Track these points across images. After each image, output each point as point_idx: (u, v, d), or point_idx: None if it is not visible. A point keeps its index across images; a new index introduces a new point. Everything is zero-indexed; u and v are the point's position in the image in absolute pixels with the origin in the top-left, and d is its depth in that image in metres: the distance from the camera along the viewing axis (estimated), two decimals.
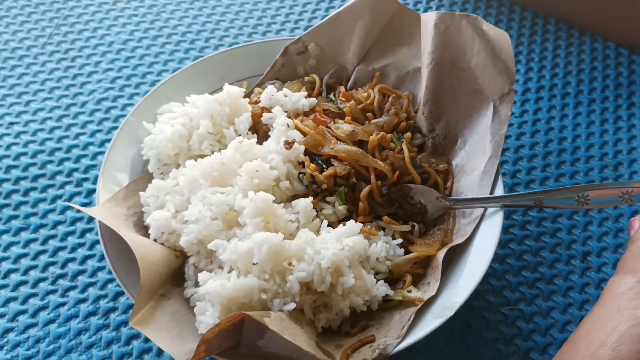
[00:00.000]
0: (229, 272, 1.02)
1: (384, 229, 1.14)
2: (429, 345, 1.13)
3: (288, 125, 1.19)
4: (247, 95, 1.33)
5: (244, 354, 0.96)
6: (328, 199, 1.14)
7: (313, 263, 0.99)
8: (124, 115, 1.48)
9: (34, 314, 1.18)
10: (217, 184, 1.12)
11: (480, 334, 1.15)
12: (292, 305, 0.98)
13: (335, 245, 1.01)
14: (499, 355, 1.12)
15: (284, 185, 1.13)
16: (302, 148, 1.16)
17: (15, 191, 1.35)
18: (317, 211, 1.13)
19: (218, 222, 1.06)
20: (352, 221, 1.08)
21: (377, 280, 1.08)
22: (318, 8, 1.77)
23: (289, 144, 1.15)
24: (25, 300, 1.19)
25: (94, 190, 1.35)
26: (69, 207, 1.32)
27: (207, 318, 0.97)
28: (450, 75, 1.26)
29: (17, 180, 1.37)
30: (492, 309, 1.18)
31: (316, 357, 0.91)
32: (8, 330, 1.16)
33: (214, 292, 0.97)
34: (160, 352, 1.12)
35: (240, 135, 1.22)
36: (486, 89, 1.22)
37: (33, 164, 1.39)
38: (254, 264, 1.00)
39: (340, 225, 1.08)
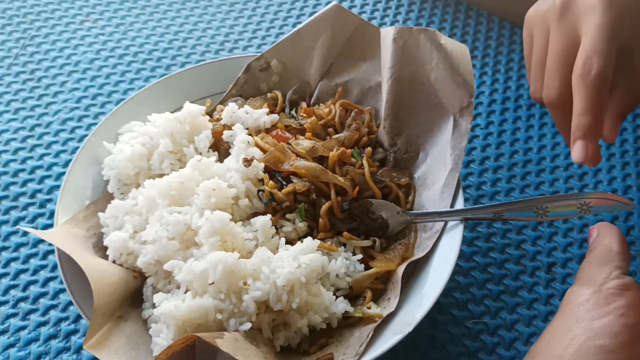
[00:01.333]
0: (185, 293, 1.01)
1: (344, 244, 1.14)
2: (395, 357, 1.12)
3: (248, 142, 1.19)
4: (210, 113, 1.33)
5: None
6: (288, 216, 1.14)
7: (269, 282, 0.99)
8: (87, 135, 1.47)
9: None
10: (175, 203, 1.11)
11: (445, 348, 1.14)
12: (247, 325, 0.97)
13: (291, 264, 1.00)
14: None
15: (243, 203, 1.13)
16: (262, 165, 1.16)
17: None
18: (277, 228, 1.12)
19: (175, 242, 1.05)
20: (309, 238, 1.07)
21: (337, 297, 1.07)
22: (285, 24, 1.78)
23: (247, 162, 1.15)
24: None
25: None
26: (32, 228, 1.31)
27: (162, 340, 0.96)
28: (410, 90, 1.26)
29: None
30: (456, 322, 1.18)
31: None
32: None
33: (168, 314, 0.96)
34: None
35: (200, 153, 1.22)
36: (446, 103, 1.23)
37: None
38: (210, 284, 0.99)
39: (298, 242, 1.07)
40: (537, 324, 1.19)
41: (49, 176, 1.41)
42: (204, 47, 1.70)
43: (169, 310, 0.96)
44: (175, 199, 1.11)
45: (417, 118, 1.26)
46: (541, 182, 1.41)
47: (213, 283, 0.98)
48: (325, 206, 1.14)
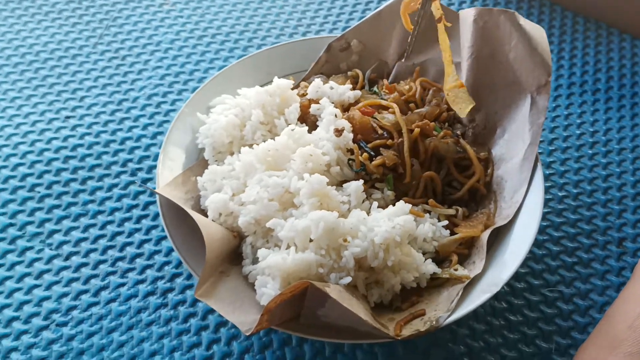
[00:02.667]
0: (286, 249, 1.08)
1: (429, 212, 1.20)
2: (475, 320, 1.18)
3: (336, 115, 1.26)
4: (294, 88, 1.40)
5: (303, 324, 1.02)
6: (377, 185, 1.21)
7: (367, 239, 1.05)
8: (174, 110, 1.56)
9: (96, 293, 1.24)
10: (271, 168, 1.18)
11: (522, 313, 1.20)
12: (347, 279, 1.04)
13: (387, 223, 1.07)
14: (541, 334, 1.17)
15: (335, 170, 1.19)
16: (351, 136, 1.22)
17: (74, 180, 1.43)
18: (366, 196, 1.19)
19: (275, 202, 1.12)
20: (401, 202, 1.14)
21: (425, 260, 1.13)
22: (355, 10, 1.84)
23: (338, 132, 1.21)
24: (87, 281, 1.26)
25: (148, 179, 1.42)
26: (125, 195, 1.39)
27: (269, 290, 1.03)
28: (489, 68, 1.32)
29: (75, 169, 1.44)
30: (532, 290, 1.23)
31: (373, 325, 0.97)
32: (72, 308, 1.22)
33: (275, 266, 1.03)
34: (216, 329, 1.18)
35: (289, 124, 1.29)
36: (524, 81, 1.28)
37: (89, 155, 1.47)
38: (310, 240, 1.06)
39: (391, 206, 1.14)
40: (610, 294, 1.24)
41: (138, 147, 1.49)
42: (278, 30, 1.78)
43: (276, 263, 1.03)
44: (271, 164, 1.18)
45: (495, 95, 1.32)
46: (609, 163, 1.47)
47: (314, 240, 1.05)
48: (427, 174, 1.22)
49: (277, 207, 1.13)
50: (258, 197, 1.13)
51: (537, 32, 1.27)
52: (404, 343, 1.15)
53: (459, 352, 1.15)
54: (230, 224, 1.18)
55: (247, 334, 0.98)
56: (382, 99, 1.34)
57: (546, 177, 1.43)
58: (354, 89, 1.38)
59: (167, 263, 1.29)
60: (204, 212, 1.21)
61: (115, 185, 1.42)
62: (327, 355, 1.15)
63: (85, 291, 1.25)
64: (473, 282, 1.10)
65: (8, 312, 1.21)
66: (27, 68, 1.68)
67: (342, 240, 1.05)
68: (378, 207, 1.17)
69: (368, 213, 1.14)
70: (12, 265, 1.28)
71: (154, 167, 1.45)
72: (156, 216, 1.36)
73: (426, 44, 1.45)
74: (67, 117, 1.55)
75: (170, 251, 1.30)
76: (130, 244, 1.32)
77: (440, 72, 1.43)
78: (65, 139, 1.50)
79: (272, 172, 1.17)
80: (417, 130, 1.25)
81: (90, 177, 1.43)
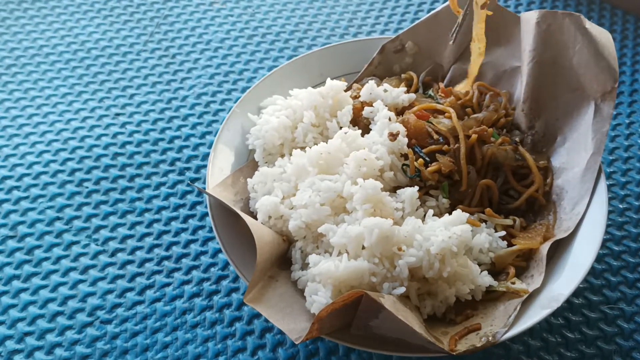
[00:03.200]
0: (338, 255, 1.05)
1: (485, 222, 1.16)
2: (530, 336, 1.13)
3: (390, 118, 1.22)
4: (346, 90, 1.37)
5: (354, 334, 0.99)
6: (432, 192, 1.17)
7: (422, 249, 1.02)
8: (222, 110, 1.55)
9: (141, 292, 1.23)
10: (323, 172, 1.15)
11: (581, 330, 1.14)
12: (401, 289, 1.00)
13: (443, 233, 1.03)
14: (600, 353, 1.12)
15: (388, 175, 1.16)
16: (406, 140, 1.19)
17: (122, 176, 1.42)
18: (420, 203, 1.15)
19: (326, 207, 1.10)
20: (458, 210, 1.10)
21: (481, 272, 1.09)
22: (407, 11, 1.80)
23: (393, 136, 1.18)
24: (132, 279, 1.25)
25: (196, 179, 1.41)
26: (172, 194, 1.38)
27: (320, 298, 1.00)
28: (551, 73, 1.27)
29: (123, 166, 1.44)
30: (591, 306, 1.18)
31: (428, 339, 0.93)
32: (116, 306, 1.21)
33: (326, 273, 1.00)
34: (262, 334, 1.16)
35: (342, 127, 1.26)
36: (587, 87, 1.22)
37: (138, 152, 1.47)
38: (363, 248, 1.03)
39: (446, 215, 1.10)
40: None
41: (186, 146, 1.48)
42: (328, 31, 1.75)
43: (328, 270, 1.00)
44: (323, 168, 1.16)
45: (556, 101, 1.27)
46: None
47: (367, 247, 1.02)
48: (483, 182, 1.18)
49: (329, 212, 1.10)
50: (309, 201, 1.10)
51: (604, 36, 1.21)
52: (453, 357, 1.10)
53: None
54: (279, 227, 1.15)
55: (297, 342, 0.95)
56: (437, 102, 1.30)
57: (607, 188, 1.37)
58: (408, 92, 1.34)
59: (213, 265, 1.27)
60: (253, 215, 1.19)
61: (163, 183, 1.41)
62: None
63: (131, 289, 1.24)
64: (531, 296, 1.05)
65: (52, 307, 1.21)
66: (79, 65, 1.69)
67: (396, 248, 1.02)
68: (432, 215, 1.13)
69: (422, 221, 1.10)
70: (58, 259, 1.28)
71: (202, 167, 1.43)
72: (203, 217, 1.34)
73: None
74: (117, 115, 1.55)
75: (216, 253, 1.28)
76: (176, 243, 1.31)
77: (497, 76, 1.38)
78: (115, 135, 1.50)
79: (324, 175, 1.14)
80: (474, 136, 1.20)
81: (138, 175, 1.42)
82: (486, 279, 1.07)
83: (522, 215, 1.20)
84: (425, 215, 1.11)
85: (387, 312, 0.91)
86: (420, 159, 1.17)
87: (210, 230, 1.31)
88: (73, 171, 1.43)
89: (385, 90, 1.30)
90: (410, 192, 1.11)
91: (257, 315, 1.18)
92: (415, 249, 1.02)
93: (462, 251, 1.05)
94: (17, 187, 1.40)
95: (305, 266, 1.11)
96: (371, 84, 1.32)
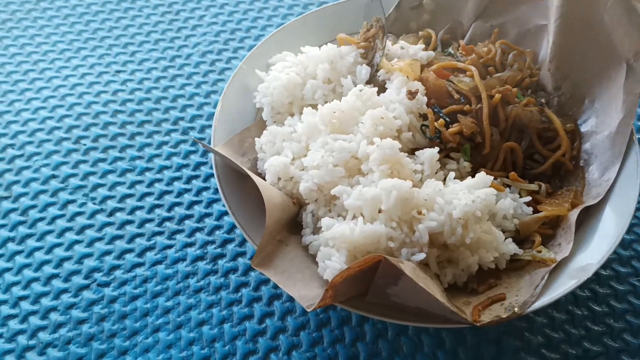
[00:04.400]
0: (352, 219, 0.98)
1: (509, 186, 1.09)
2: (555, 308, 1.07)
3: (408, 76, 1.14)
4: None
5: (370, 302, 0.92)
6: (452, 154, 1.10)
7: (444, 213, 0.95)
8: (229, 69, 1.47)
9: (141, 254, 1.17)
10: (336, 131, 1.08)
11: (609, 303, 1.08)
12: (421, 256, 0.94)
13: (466, 196, 0.96)
14: (629, 327, 1.05)
15: (406, 136, 1.08)
16: (425, 99, 1.11)
17: (121, 134, 1.35)
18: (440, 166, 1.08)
19: (340, 168, 1.02)
20: (482, 173, 1.03)
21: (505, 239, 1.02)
22: None
23: (411, 94, 1.10)
24: (131, 239, 1.19)
25: (200, 139, 1.33)
26: (175, 154, 1.31)
27: (334, 263, 0.93)
28: (580, 31, 1.19)
29: (124, 124, 1.37)
30: (620, 279, 1.11)
31: (450, 308, 0.87)
32: (115, 268, 1.15)
33: (341, 238, 0.93)
34: (270, 301, 1.09)
35: (357, 85, 1.18)
36: (619, 46, 1.14)
37: (139, 110, 1.39)
38: (379, 211, 0.96)
39: (469, 178, 1.03)
40: None
41: (190, 105, 1.41)
42: None
43: (343, 234, 0.93)
44: (336, 127, 1.08)
45: (585, 61, 1.19)
46: None
47: (384, 210, 0.95)
48: (507, 144, 1.10)
49: (343, 173, 1.02)
50: (322, 162, 1.02)
51: None
52: (473, 329, 1.04)
53: (536, 343, 1.04)
54: (289, 189, 1.08)
55: (309, 310, 0.88)
56: (458, 61, 1.22)
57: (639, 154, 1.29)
58: (426, 49, 1.26)
59: (218, 227, 1.20)
60: (261, 176, 1.12)
61: (165, 143, 1.34)
62: (389, 337, 1.05)
63: (130, 250, 1.17)
64: (559, 266, 0.98)
65: (48, 269, 1.14)
66: (78, 20, 1.61)
67: (416, 212, 0.95)
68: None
69: (443, 184, 1.03)
70: (53, 219, 1.21)
71: (207, 127, 1.36)
72: (207, 178, 1.27)
73: (507, 4, 1.32)
74: (117, 72, 1.47)
75: (221, 215, 1.21)
76: (179, 204, 1.24)
77: (521, 35, 1.30)
78: (115, 92, 1.43)
79: (337, 135, 1.06)
80: (497, 96, 1.12)
81: (139, 133, 1.35)
82: (511, 247, 1.00)
83: (547, 181, 1.13)
84: (445, 178, 1.04)
85: (407, 279, 0.84)
86: (441, 119, 1.09)
87: (215, 192, 1.24)
88: (70, 128, 1.36)
89: (402, 48, 1.22)
90: (430, 153, 1.04)
91: (265, 282, 1.11)
92: (437, 212, 0.95)
93: (486, 216, 0.99)
94: (11, 145, 1.33)
95: (316, 230, 1.04)
96: (387, 41, 1.23)
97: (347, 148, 1.03)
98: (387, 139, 1.02)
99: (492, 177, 1.03)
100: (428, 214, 0.95)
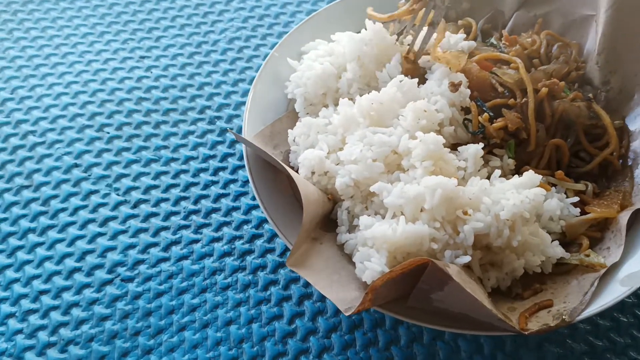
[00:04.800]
0: (392, 218, 0.93)
1: (554, 186, 1.03)
2: (599, 315, 1.01)
3: (450, 67, 1.09)
4: (398, 34, 1.23)
5: (411, 306, 0.87)
6: (495, 150, 1.04)
7: (490, 214, 0.89)
8: (257, 56, 1.42)
9: (166, 248, 1.13)
10: (375, 124, 1.03)
11: None
12: (466, 258, 0.88)
13: (515, 197, 0.90)
14: None
15: (448, 131, 1.03)
16: (468, 92, 1.05)
17: (146, 123, 1.31)
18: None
19: (379, 163, 0.97)
20: (530, 171, 0.97)
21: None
22: None
23: (454, 86, 1.04)
24: (156, 233, 1.15)
25: (227, 130, 1.29)
26: (202, 144, 1.27)
27: (374, 265, 0.88)
28: (632, 22, 1.13)
29: (148, 112, 1.32)
30: None
31: (497, 316, 0.82)
32: (139, 262, 1.11)
33: (381, 238, 0.88)
34: (300, 301, 1.05)
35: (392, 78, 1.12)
36: None
37: (164, 98, 1.35)
38: (421, 210, 0.91)
39: (515, 176, 0.97)
40: None
41: (217, 94, 1.36)
42: None
43: (383, 234, 0.88)
44: (375, 119, 1.03)
45: (636, 54, 1.13)
46: None
47: (427, 209, 0.90)
48: (553, 141, 1.05)
49: (382, 169, 0.97)
50: (360, 157, 0.97)
51: None
52: (512, 335, 0.99)
53: (579, 351, 0.99)
54: (323, 184, 1.03)
55: (347, 314, 0.84)
56: (501, 52, 1.16)
57: None
58: (466, 39, 1.20)
59: (246, 222, 1.15)
60: (293, 170, 1.07)
61: (192, 132, 1.29)
62: (425, 341, 1.00)
63: (155, 244, 1.13)
64: (608, 271, 0.93)
65: (70, 262, 1.10)
66: (101, 3, 1.56)
67: (461, 212, 0.90)
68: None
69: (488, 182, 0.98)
70: (75, 210, 1.17)
71: (235, 116, 1.31)
72: (235, 170, 1.23)
73: None
74: (142, 57, 1.43)
75: (250, 209, 1.17)
76: (205, 197, 1.19)
77: (566, 26, 1.24)
78: (139, 79, 1.38)
79: (376, 128, 1.01)
80: (544, 90, 1.07)
81: (165, 122, 1.31)
82: (558, 250, 0.95)
83: (593, 181, 1.07)
84: (490, 176, 0.99)
85: (454, 284, 0.79)
86: (485, 114, 1.04)
87: (243, 185, 1.20)
88: (93, 115, 1.31)
89: None
90: (474, 150, 0.98)
91: (295, 280, 1.07)
92: (483, 213, 0.90)
93: (534, 218, 0.93)
94: (32, 132, 1.29)
95: (352, 228, 0.99)
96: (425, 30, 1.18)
97: (387, 142, 0.98)
98: (430, 133, 0.96)
99: (541, 177, 0.97)
100: (474, 214, 0.89)
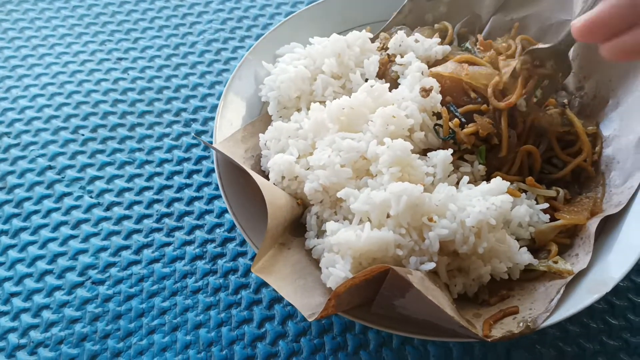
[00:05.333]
0: (358, 224, 0.93)
1: (525, 192, 1.03)
2: (568, 321, 1.01)
3: (422, 72, 1.09)
4: (373, 40, 1.23)
5: (374, 313, 0.87)
6: (467, 156, 1.04)
7: (456, 220, 0.89)
8: (234, 58, 1.41)
9: (137, 251, 1.12)
10: (345, 129, 1.03)
11: (625, 317, 1.03)
12: (431, 265, 0.88)
13: (481, 203, 0.90)
14: None
15: (418, 136, 1.03)
16: (440, 97, 1.05)
17: (121, 125, 1.30)
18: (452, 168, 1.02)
19: (347, 169, 0.97)
20: (498, 178, 0.97)
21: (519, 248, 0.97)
22: None
23: (426, 92, 1.04)
24: (128, 236, 1.14)
25: (202, 132, 1.29)
26: (176, 147, 1.26)
27: (338, 271, 0.88)
28: None
29: (124, 114, 1.32)
30: (638, 291, 1.05)
31: (459, 323, 0.82)
32: (110, 265, 1.10)
33: (346, 244, 0.88)
34: (270, 305, 1.05)
35: (367, 80, 1.12)
36: None
37: (140, 100, 1.34)
38: (387, 216, 0.91)
39: (483, 182, 0.97)
40: None
41: (193, 96, 1.35)
42: None
43: (348, 240, 0.88)
44: (344, 125, 1.03)
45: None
46: None
47: (393, 216, 0.90)
48: (524, 147, 1.05)
49: (350, 174, 0.97)
50: (329, 162, 0.97)
51: None
52: (487, 344, 0.99)
53: (548, 357, 0.99)
54: (293, 189, 1.03)
55: (310, 320, 0.84)
56: (475, 56, 1.15)
57: None
58: (441, 43, 1.20)
59: (218, 225, 1.15)
60: (264, 174, 1.07)
61: (167, 135, 1.29)
62: (394, 346, 1.00)
63: (126, 247, 1.13)
64: (575, 278, 0.93)
65: (41, 265, 1.10)
66: (79, 4, 1.56)
67: (426, 219, 0.89)
68: (467, 182, 1.00)
69: (456, 189, 0.97)
70: (48, 212, 1.17)
71: (210, 119, 1.31)
72: (209, 173, 1.22)
73: None
74: (119, 59, 1.42)
75: (222, 213, 1.16)
76: (178, 200, 1.19)
77: (543, 31, 1.23)
78: (116, 81, 1.37)
79: (345, 133, 1.01)
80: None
81: (140, 124, 1.30)
82: (525, 257, 0.95)
83: (565, 187, 1.07)
84: (459, 183, 0.98)
85: (415, 291, 0.79)
86: (456, 119, 1.03)
87: (216, 188, 1.19)
88: (68, 117, 1.31)
89: (417, 41, 1.16)
90: (443, 156, 0.98)
91: (266, 284, 1.06)
92: (448, 220, 0.89)
93: (501, 225, 0.93)
94: (7, 134, 1.28)
95: (321, 233, 0.99)
96: (400, 34, 1.18)
97: (355, 147, 0.98)
98: (398, 139, 0.96)
99: (509, 183, 0.97)
100: (439, 221, 0.89)
